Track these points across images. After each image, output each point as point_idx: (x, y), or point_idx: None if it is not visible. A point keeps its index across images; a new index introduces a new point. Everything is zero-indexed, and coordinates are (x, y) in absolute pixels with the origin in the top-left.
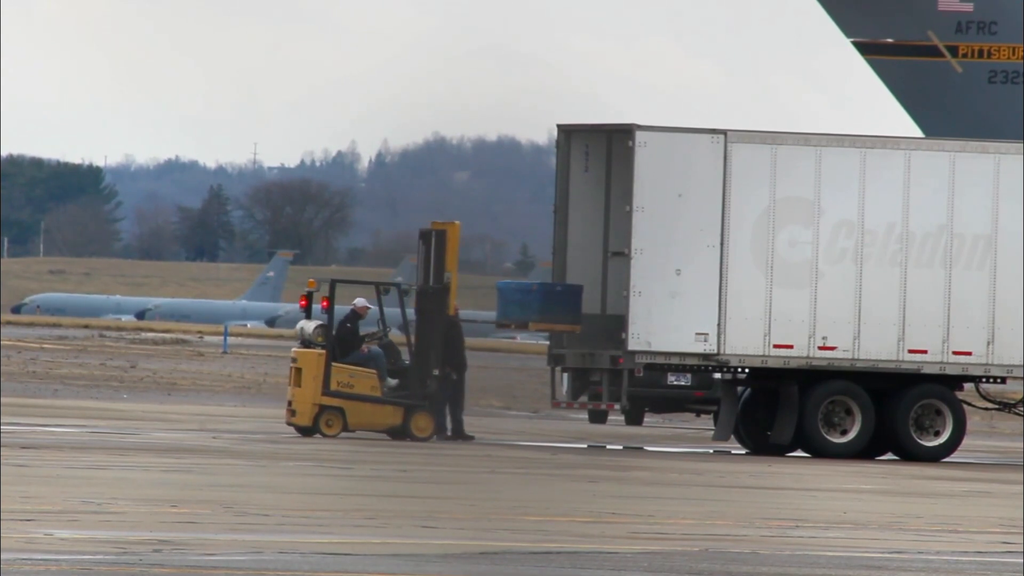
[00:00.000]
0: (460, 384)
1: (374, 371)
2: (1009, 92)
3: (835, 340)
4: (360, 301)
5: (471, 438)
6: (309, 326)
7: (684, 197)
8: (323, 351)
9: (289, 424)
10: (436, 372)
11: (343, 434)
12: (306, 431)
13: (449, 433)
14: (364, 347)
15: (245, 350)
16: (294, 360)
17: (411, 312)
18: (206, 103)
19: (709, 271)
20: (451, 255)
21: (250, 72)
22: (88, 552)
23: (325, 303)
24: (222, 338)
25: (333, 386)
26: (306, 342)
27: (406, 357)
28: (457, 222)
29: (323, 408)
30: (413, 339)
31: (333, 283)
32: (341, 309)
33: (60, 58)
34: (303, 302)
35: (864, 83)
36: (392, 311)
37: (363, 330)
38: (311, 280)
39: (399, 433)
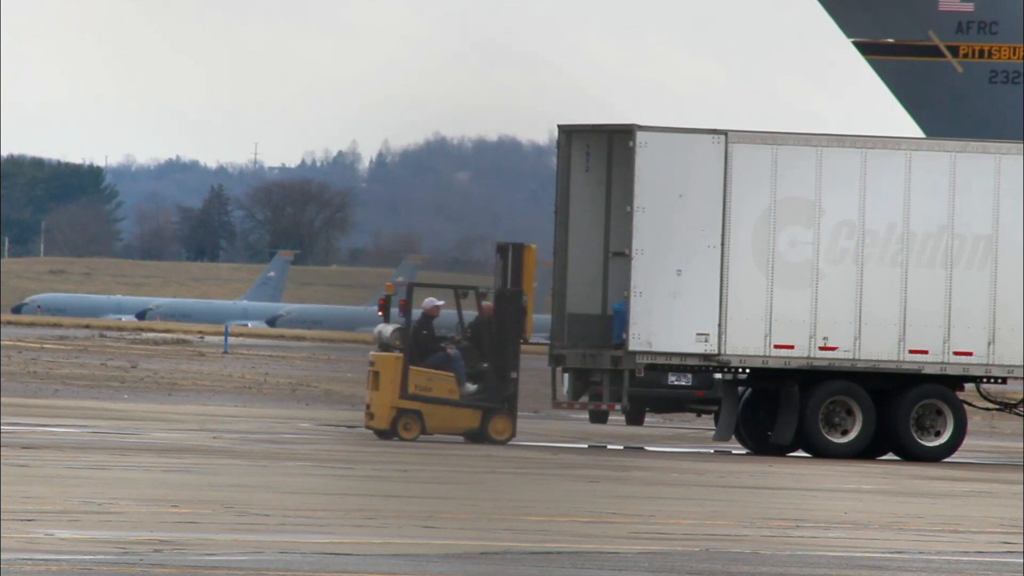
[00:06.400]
0: None
1: (452, 374)
2: (1009, 92)
3: (836, 340)
4: (429, 302)
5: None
6: (387, 329)
7: (685, 197)
8: (401, 355)
9: (367, 427)
10: (513, 375)
11: (420, 437)
12: (384, 434)
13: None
14: (449, 349)
15: (246, 350)
16: (372, 364)
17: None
18: (206, 103)
19: (710, 271)
20: (527, 277)
21: (250, 72)
22: (88, 552)
23: (403, 305)
24: (223, 338)
25: (411, 389)
26: (384, 346)
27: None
28: (533, 246)
29: (401, 411)
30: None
31: (411, 286)
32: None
33: (60, 58)
34: (381, 305)
35: (865, 83)
36: (469, 314)
37: (437, 332)
38: (388, 284)
39: (477, 436)
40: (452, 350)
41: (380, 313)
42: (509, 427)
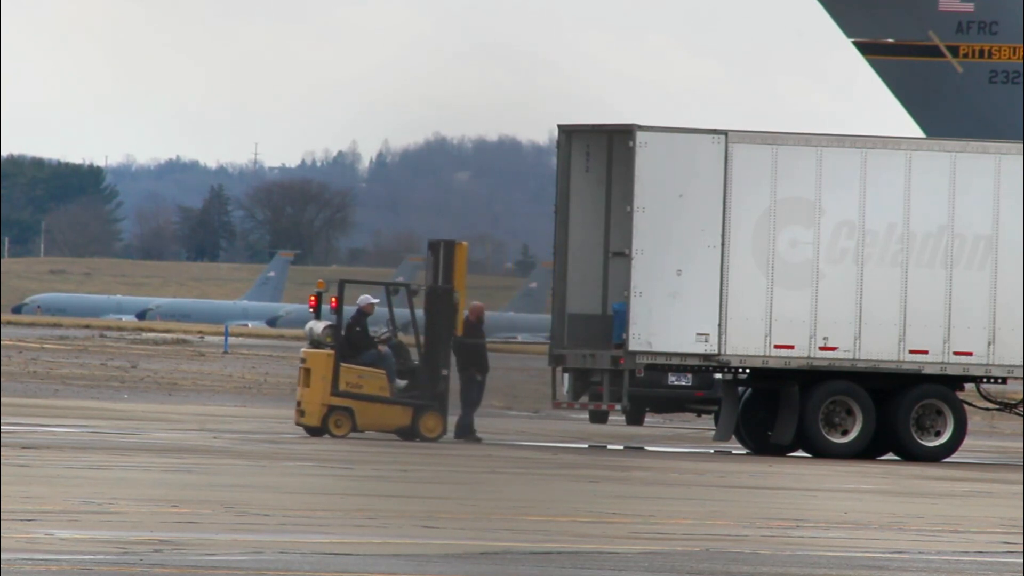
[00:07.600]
0: (481, 386)
1: (383, 371)
2: (1009, 92)
3: (836, 340)
4: (364, 299)
5: (479, 440)
6: (318, 326)
7: (685, 197)
8: (332, 351)
9: (298, 424)
10: (444, 372)
11: (351, 434)
12: (315, 431)
13: (454, 433)
14: (381, 347)
15: (246, 350)
16: (303, 360)
17: (419, 312)
18: (206, 103)
19: (710, 271)
20: (459, 274)
21: (250, 72)
22: (88, 552)
23: (334, 303)
24: (223, 338)
25: (342, 386)
26: (315, 342)
27: (415, 357)
28: (465, 243)
29: (332, 408)
30: (422, 339)
31: (342, 283)
32: (348, 310)
33: (60, 58)
34: (312, 302)
35: (865, 83)
36: (400, 311)
37: (371, 329)
38: (320, 280)
39: (408, 433)
40: (384, 347)
41: (312, 309)
42: (440, 424)
